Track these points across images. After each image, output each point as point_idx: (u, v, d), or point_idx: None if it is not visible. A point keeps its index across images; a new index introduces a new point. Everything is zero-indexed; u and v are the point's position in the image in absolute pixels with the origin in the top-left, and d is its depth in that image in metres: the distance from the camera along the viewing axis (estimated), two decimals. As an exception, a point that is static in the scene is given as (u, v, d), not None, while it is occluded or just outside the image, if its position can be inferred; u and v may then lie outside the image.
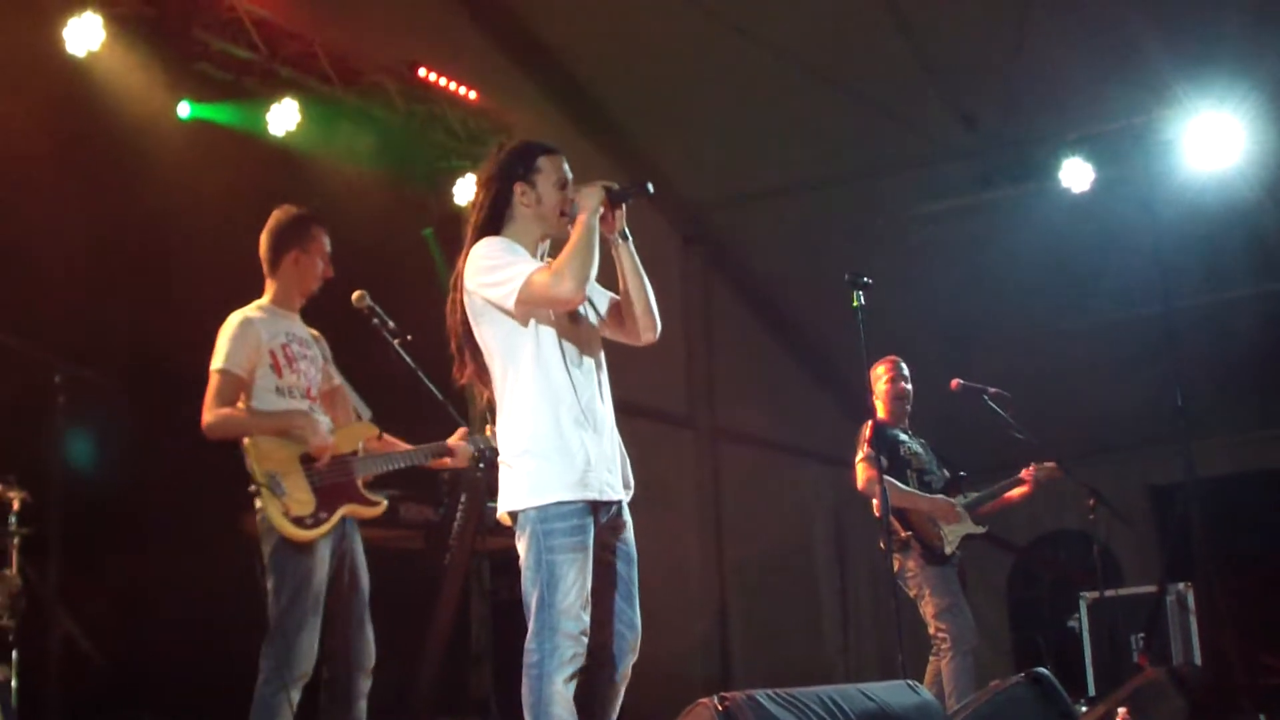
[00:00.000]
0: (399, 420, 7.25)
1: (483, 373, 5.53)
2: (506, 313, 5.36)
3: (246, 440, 6.59)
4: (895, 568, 9.08)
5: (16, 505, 7.01)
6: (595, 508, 5.35)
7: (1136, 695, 8.68)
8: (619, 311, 5.74)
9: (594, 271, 5.35)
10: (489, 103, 12.04)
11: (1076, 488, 10.57)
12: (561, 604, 5.18)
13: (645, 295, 5.70)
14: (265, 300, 7.00)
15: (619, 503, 5.51)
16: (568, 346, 5.46)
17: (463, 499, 8.26)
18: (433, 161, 11.89)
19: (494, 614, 8.85)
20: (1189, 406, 9.26)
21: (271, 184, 10.01)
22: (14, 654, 6.70)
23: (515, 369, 5.39)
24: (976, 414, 9.89)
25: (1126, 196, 12.40)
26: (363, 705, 6.75)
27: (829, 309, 10.15)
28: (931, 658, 9.10)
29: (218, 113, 9.92)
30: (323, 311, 7.22)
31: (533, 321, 5.39)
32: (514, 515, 5.37)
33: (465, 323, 5.49)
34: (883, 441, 9.14)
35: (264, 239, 7.03)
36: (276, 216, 7.05)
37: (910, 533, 9.11)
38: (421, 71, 11.43)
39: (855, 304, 8.14)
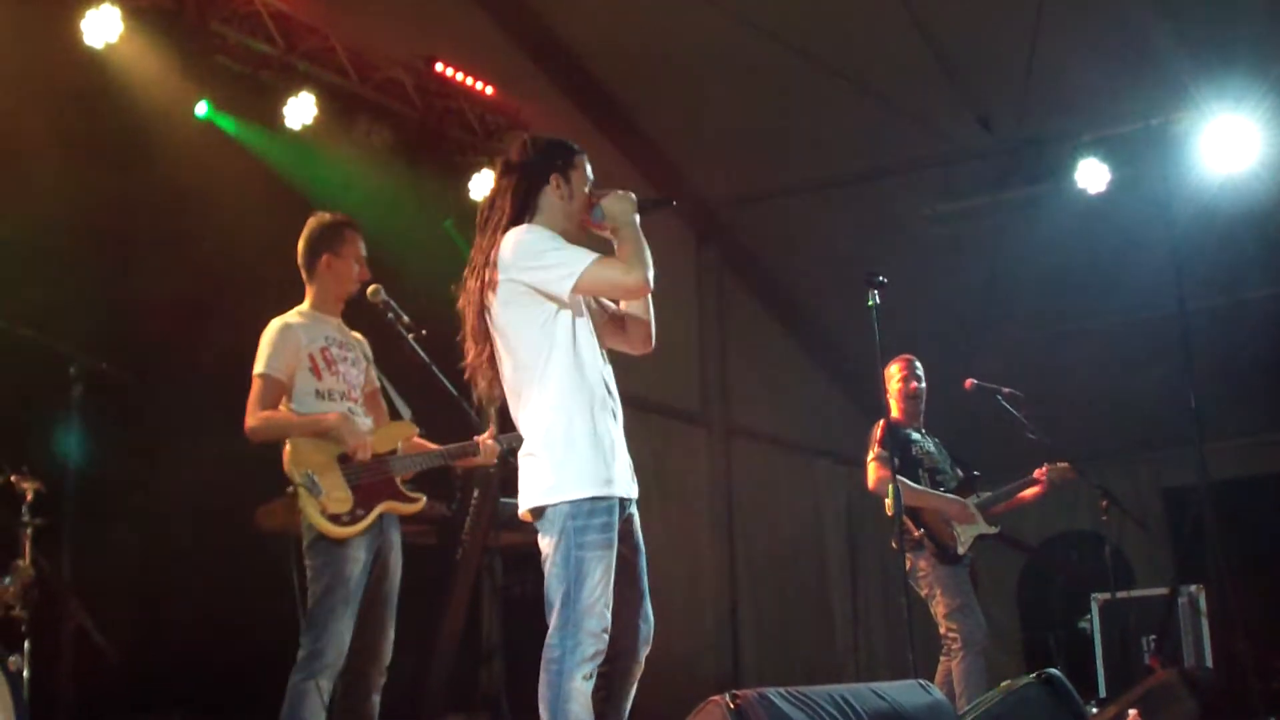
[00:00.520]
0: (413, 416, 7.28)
1: (492, 361, 5.53)
2: (552, 299, 5.38)
3: (286, 442, 6.66)
4: (907, 566, 9.08)
5: (30, 496, 7.01)
6: (621, 504, 5.38)
7: (1148, 697, 8.68)
8: (621, 320, 5.77)
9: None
10: (505, 98, 12.05)
11: (1089, 489, 10.57)
12: (587, 601, 5.18)
13: (648, 306, 5.75)
14: (305, 305, 7.10)
15: (633, 500, 5.52)
16: (593, 341, 5.50)
17: (475, 495, 8.27)
18: (449, 156, 11.89)
19: (505, 610, 8.84)
20: (1202, 408, 9.23)
21: (287, 178, 10.04)
22: (26, 644, 6.71)
23: (549, 358, 5.40)
24: (990, 414, 9.89)
25: (1142, 198, 12.38)
26: (376, 700, 6.79)
27: (843, 307, 10.17)
28: (942, 658, 9.10)
29: (231, 124, 9.92)
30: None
31: (569, 312, 5.42)
32: (538, 510, 5.37)
33: (486, 308, 5.48)
34: (895, 441, 9.14)
35: (300, 245, 7.13)
36: (311, 223, 7.14)
37: (923, 532, 9.11)
38: (438, 67, 11.44)
39: (870, 303, 8.15)
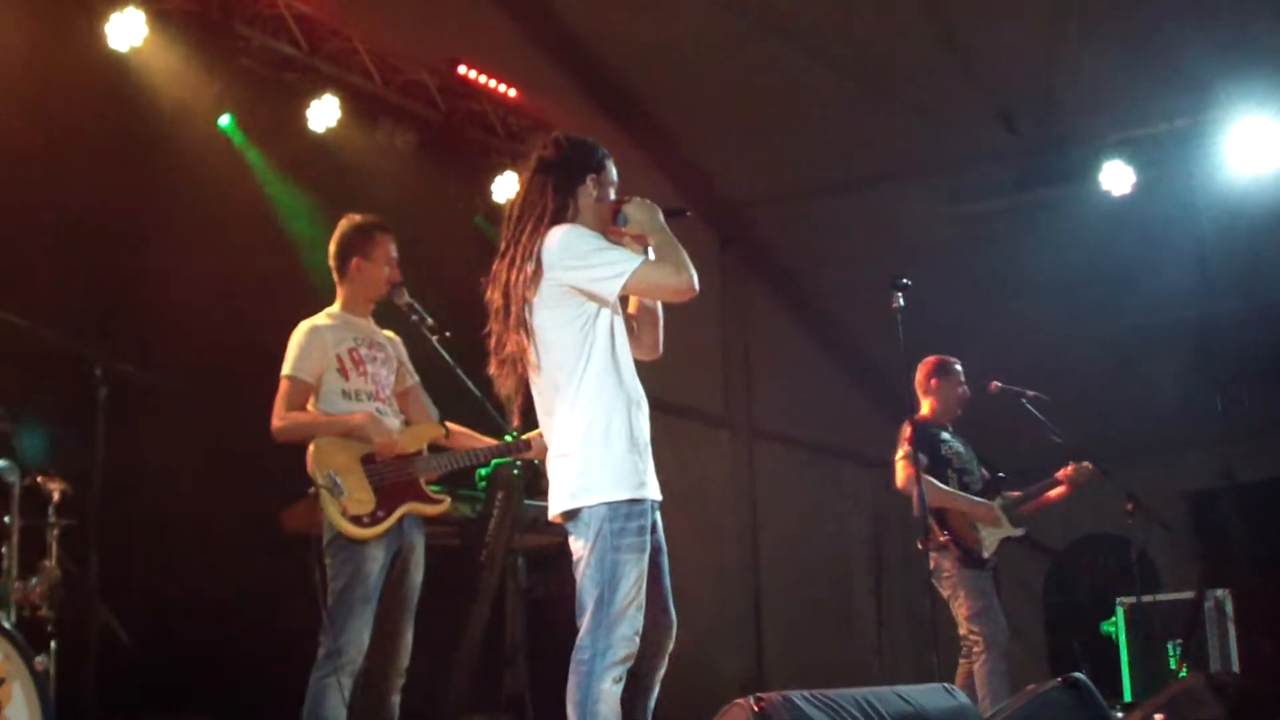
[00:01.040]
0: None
1: (520, 359, 5.49)
2: (594, 299, 5.37)
3: (310, 443, 6.68)
4: (931, 566, 9.07)
5: (56, 497, 7.02)
6: (652, 507, 5.39)
7: (1174, 701, 8.64)
8: (632, 324, 5.76)
9: None
10: (529, 100, 12.06)
11: (1113, 491, 10.54)
12: (621, 604, 5.18)
13: (658, 315, 5.78)
14: (335, 307, 7.15)
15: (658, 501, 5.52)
16: (628, 344, 5.50)
17: (499, 496, 8.25)
18: (472, 158, 11.90)
19: (529, 612, 8.82)
20: (1228, 411, 9.21)
21: (312, 181, 10.06)
22: (53, 644, 6.72)
23: (588, 359, 5.39)
24: (1013, 416, 9.86)
25: (1167, 200, 12.36)
26: (395, 700, 6.82)
27: (867, 309, 10.13)
28: (962, 660, 9.09)
29: (245, 142, 9.92)
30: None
31: (608, 313, 5.41)
32: (572, 512, 5.35)
33: (525, 304, 5.44)
34: (924, 440, 9.14)
35: (331, 247, 7.18)
36: (342, 225, 7.18)
37: (949, 535, 9.09)
38: (461, 69, 11.46)
39: (895, 305, 8.14)
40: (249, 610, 8.73)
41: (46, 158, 8.44)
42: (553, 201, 5.52)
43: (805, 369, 16.72)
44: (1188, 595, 11.22)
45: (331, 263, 7.14)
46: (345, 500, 6.60)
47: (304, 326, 6.96)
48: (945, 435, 9.49)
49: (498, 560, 8.64)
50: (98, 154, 8.74)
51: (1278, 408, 14.56)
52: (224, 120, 9.78)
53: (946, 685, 6.83)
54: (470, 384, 7.11)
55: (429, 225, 10.27)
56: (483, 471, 7.45)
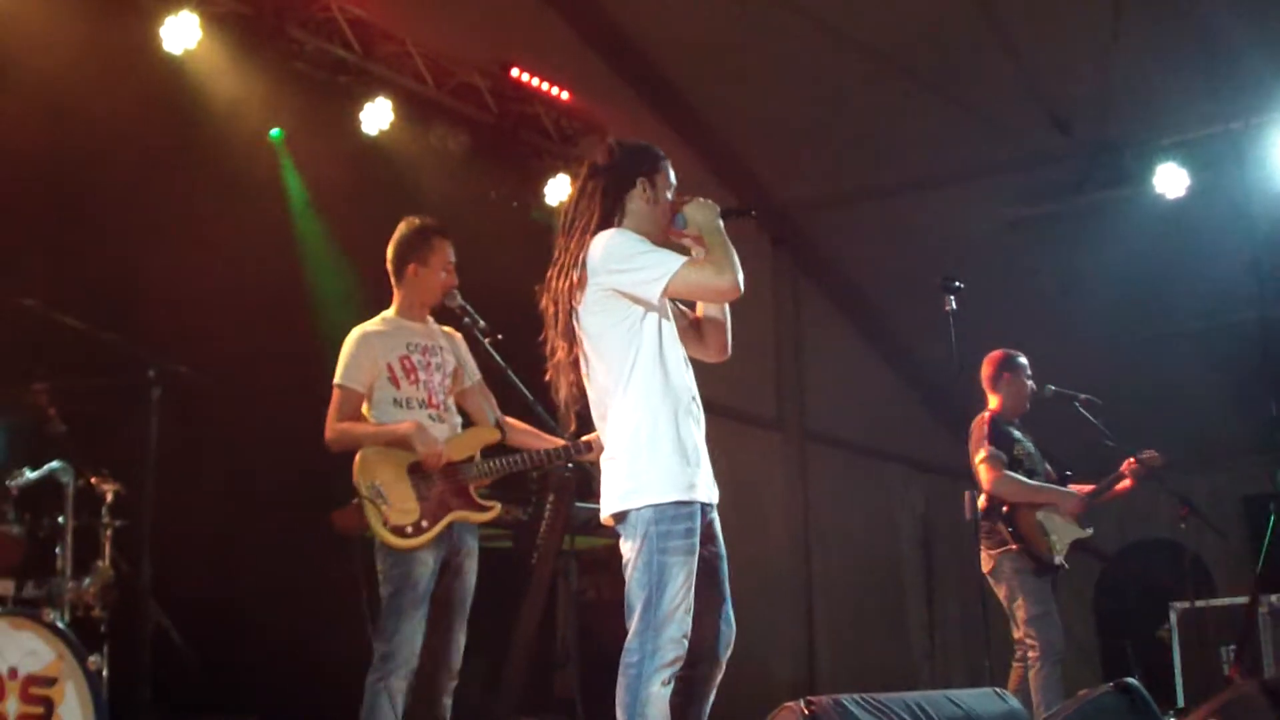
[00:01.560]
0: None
1: (576, 363, 5.51)
2: (639, 302, 5.36)
3: (358, 454, 6.72)
4: (988, 567, 9.02)
5: (110, 498, 7.08)
6: (703, 509, 5.36)
7: (1227, 708, 8.56)
8: (698, 327, 5.77)
9: None
10: (581, 103, 12.08)
11: (1167, 496, 10.48)
12: (668, 607, 5.15)
13: (724, 317, 5.76)
14: (390, 311, 7.16)
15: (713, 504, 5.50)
16: (679, 346, 5.49)
17: (551, 499, 8.26)
18: (525, 161, 11.92)
19: (580, 615, 8.84)
20: (1283, 415, 9.16)
21: (363, 183, 10.09)
22: (105, 645, 6.77)
23: (635, 363, 5.37)
24: (1066, 419, 9.81)
25: (1221, 203, 12.29)
26: (447, 703, 6.81)
27: (919, 312, 10.12)
28: (1015, 663, 9.02)
29: (289, 174, 9.95)
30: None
31: (655, 316, 5.39)
32: (621, 514, 5.34)
33: (574, 309, 5.46)
34: (1002, 439, 9.12)
35: (389, 251, 7.18)
36: (400, 229, 7.17)
37: (1020, 545, 9.01)
38: (514, 72, 11.49)
39: (947, 308, 8.12)
40: (301, 611, 8.77)
41: (96, 159, 8.51)
42: (600, 207, 5.52)
43: (857, 372, 16.69)
44: (1242, 600, 11.13)
45: (389, 265, 7.14)
46: (388, 511, 6.61)
47: (355, 334, 6.97)
48: (1017, 434, 9.41)
49: (549, 563, 8.67)
50: (148, 157, 8.81)
51: (1333, 412, 14.49)
52: (274, 131, 9.81)
53: (998, 690, 6.82)
54: (522, 387, 7.12)
55: (481, 228, 10.29)
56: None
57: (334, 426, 6.81)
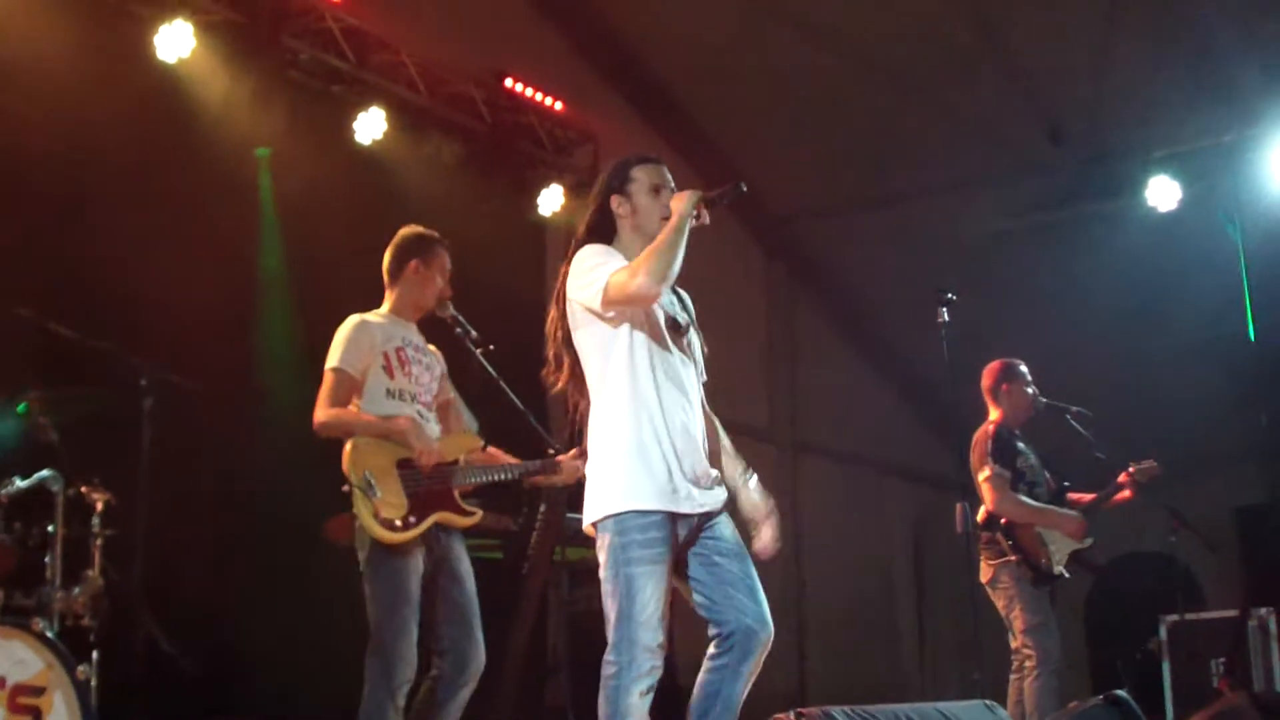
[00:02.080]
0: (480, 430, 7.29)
1: (579, 383, 5.52)
2: (599, 317, 5.36)
3: (348, 442, 6.66)
4: (986, 577, 9.03)
5: (100, 507, 7.07)
6: (675, 519, 5.31)
7: (1218, 719, 8.59)
8: None
9: (674, 270, 5.29)
10: (575, 113, 12.09)
11: (1158, 508, 10.48)
12: (640, 616, 5.15)
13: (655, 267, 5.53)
14: (384, 309, 7.10)
15: (710, 513, 5.47)
16: (660, 355, 5.43)
17: (542, 509, 8.27)
18: (519, 171, 11.93)
19: (571, 625, 8.84)
20: (1274, 428, 9.15)
21: (356, 193, 10.09)
22: (95, 654, 6.76)
23: (606, 376, 5.39)
24: (1056, 432, 9.82)
25: (1213, 215, 12.30)
26: (459, 711, 6.76)
27: (912, 323, 10.11)
28: (1012, 676, 9.00)
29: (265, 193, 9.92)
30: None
31: (626, 327, 5.38)
32: (592, 525, 5.35)
33: (567, 332, 5.49)
34: (1006, 452, 9.12)
35: (389, 252, 7.12)
36: (403, 232, 7.15)
37: (1019, 555, 9.00)
38: (508, 82, 11.50)
39: (939, 318, 8.12)
40: (293, 620, 8.76)
41: (89, 167, 8.52)
42: (583, 226, 5.59)
43: (850, 382, 16.70)
44: (1232, 613, 11.14)
45: (386, 265, 7.09)
46: (378, 502, 6.55)
47: (353, 320, 6.91)
48: (1021, 446, 9.38)
49: (541, 573, 8.67)
50: (141, 164, 8.82)
51: (1325, 425, 14.50)
52: (260, 150, 9.79)
53: (988, 702, 6.82)
54: (514, 397, 7.12)
55: (474, 237, 10.28)
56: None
57: (327, 410, 6.70)
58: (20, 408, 6.82)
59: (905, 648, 17.24)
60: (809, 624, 15.26)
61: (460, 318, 7.12)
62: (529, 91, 11.65)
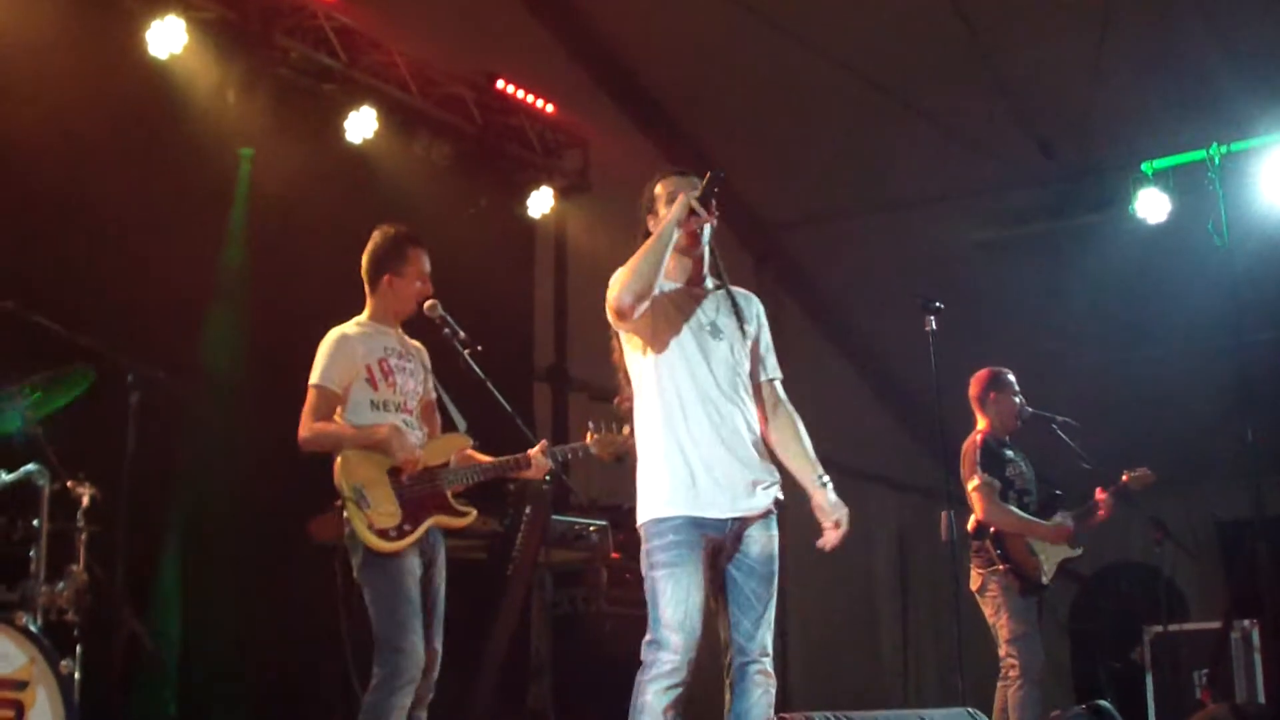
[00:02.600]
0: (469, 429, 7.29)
1: (631, 399, 5.70)
2: (627, 332, 5.56)
3: (338, 456, 6.66)
4: (975, 585, 9.04)
5: (85, 502, 7.05)
6: (702, 523, 5.44)
7: (1201, 729, 8.61)
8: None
9: (647, 282, 5.39)
10: (566, 116, 12.09)
11: (1142, 519, 10.49)
12: (663, 618, 5.29)
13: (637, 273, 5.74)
14: (364, 316, 7.07)
15: (742, 519, 5.61)
16: (688, 363, 5.57)
17: (527, 511, 8.27)
18: (508, 173, 11.93)
19: (555, 627, 8.85)
20: (1259, 442, 9.15)
21: (346, 191, 10.08)
22: (78, 648, 6.75)
23: (640, 387, 5.58)
24: (1042, 442, 9.82)
25: (1202, 228, 12.31)
26: (422, 716, 6.76)
27: (898, 332, 10.13)
28: (1000, 684, 9.01)
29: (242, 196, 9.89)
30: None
31: (652, 337, 5.55)
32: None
33: (620, 351, 5.71)
34: (995, 461, 9.12)
35: (364, 259, 7.08)
36: (375, 238, 7.09)
37: (1007, 564, 9.00)
38: (499, 83, 11.50)
39: (927, 328, 8.13)
40: (276, 618, 8.75)
41: (79, 161, 8.50)
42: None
43: (836, 390, 16.68)
44: (1215, 625, 11.16)
45: (363, 273, 7.06)
46: (371, 513, 6.55)
47: (333, 335, 6.90)
48: (1009, 454, 9.38)
49: (525, 575, 8.67)
50: (131, 160, 8.80)
51: (1310, 439, 14.51)
52: (244, 150, 9.76)
53: (970, 710, 6.82)
54: (499, 397, 7.12)
55: (463, 237, 10.30)
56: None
57: (310, 426, 6.70)
58: (34, 395, 6.81)
59: (888, 655, 17.23)
60: (792, 630, 15.24)
61: (449, 318, 7.10)
62: (520, 93, 11.65)
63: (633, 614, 5.87)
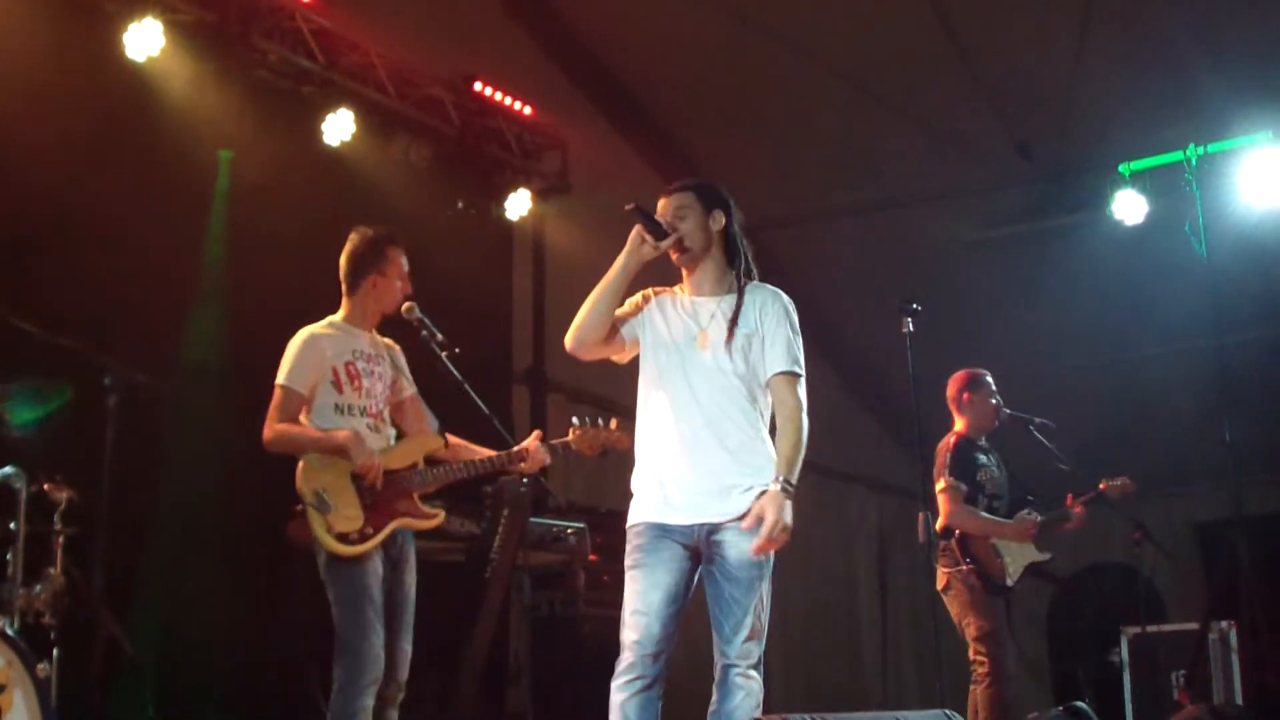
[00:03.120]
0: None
1: None
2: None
3: (300, 459, 6.66)
4: (941, 584, 9.05)
5: (63, 504, 7.03)
6: (668, 529, 5.58)
7: (1178, 730, 8.62)
8: None
9: (592, 323, 5.76)
10: (544, 119, 12.09)
11: (1121, 520, 10.51)
12: (623, 616, 5.52)
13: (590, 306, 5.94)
14: (338, 317, 7.06)
15: (714, 524, 5.63)
16: (666, 374, 5.73)
17: (505, 513, 8.25)
18: (487, 176, 11.92)
19: (533, 629, 8.84)
20: (1238, 443, 9.17)
21: (324, 193, 10.06)
22: (56, 652, 6.73)
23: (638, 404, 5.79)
24: (1020, 444, 9.83)
25: (1179, 229, 12.33)
26: (394, 715, 6.75)
27: (878, 333, 10.16)
28: (972, 685, 9.03)
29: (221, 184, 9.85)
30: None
31: (641, 353, 5.84)
32: None
33: None
34: (965, 465, 9.14)
35: (343, 262, 7.08)
36: (354, 240, 7.08)
37: (970, 563, 9.02)
38: (478, 86, 11.49)
39: (904, 329, 8.14)
40: (255, 621, 8.74)
41: (58, 164, 8.46)
42: None
43: (813, 391, 16.65)
44: (1193, 626, 11.18)
45: (343, 275, 7.05)
46: (332, 518, 6.56)
47: (302, 335, 6.90)
48: (982, 458, 9.38)
49: (503, 577, 8.66)
50: (108, 162, 8.78)
51: (1288, 440, 14.54)
52: (223, 152, 9.73)
53: (948, 712, 6.82)
54: (477, 399, 7.12)
55: (441, 239, 10.29)
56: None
57: (274, 427, 6.72)
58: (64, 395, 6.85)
59: (867, 656, 17.24)
60: (770, 630, 15.22)
61: (426, 320, 7.10)
62: (498, 96, 11.64)
63: (611, 615, 5.86)
